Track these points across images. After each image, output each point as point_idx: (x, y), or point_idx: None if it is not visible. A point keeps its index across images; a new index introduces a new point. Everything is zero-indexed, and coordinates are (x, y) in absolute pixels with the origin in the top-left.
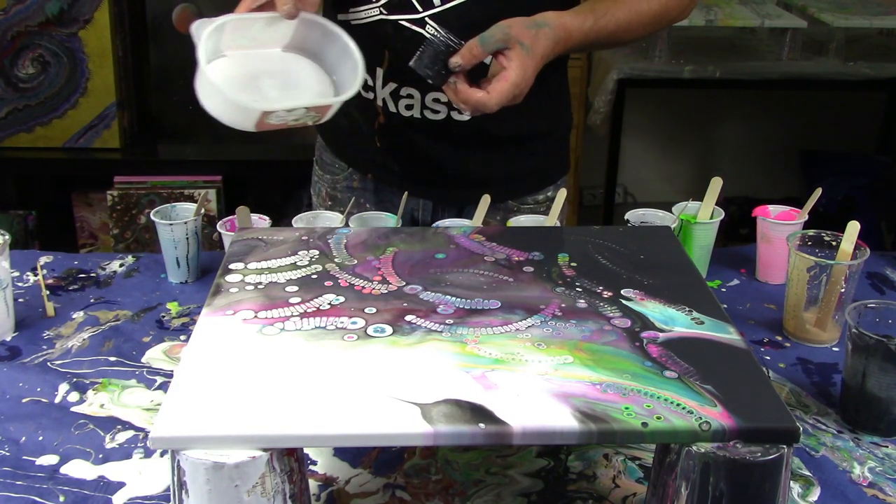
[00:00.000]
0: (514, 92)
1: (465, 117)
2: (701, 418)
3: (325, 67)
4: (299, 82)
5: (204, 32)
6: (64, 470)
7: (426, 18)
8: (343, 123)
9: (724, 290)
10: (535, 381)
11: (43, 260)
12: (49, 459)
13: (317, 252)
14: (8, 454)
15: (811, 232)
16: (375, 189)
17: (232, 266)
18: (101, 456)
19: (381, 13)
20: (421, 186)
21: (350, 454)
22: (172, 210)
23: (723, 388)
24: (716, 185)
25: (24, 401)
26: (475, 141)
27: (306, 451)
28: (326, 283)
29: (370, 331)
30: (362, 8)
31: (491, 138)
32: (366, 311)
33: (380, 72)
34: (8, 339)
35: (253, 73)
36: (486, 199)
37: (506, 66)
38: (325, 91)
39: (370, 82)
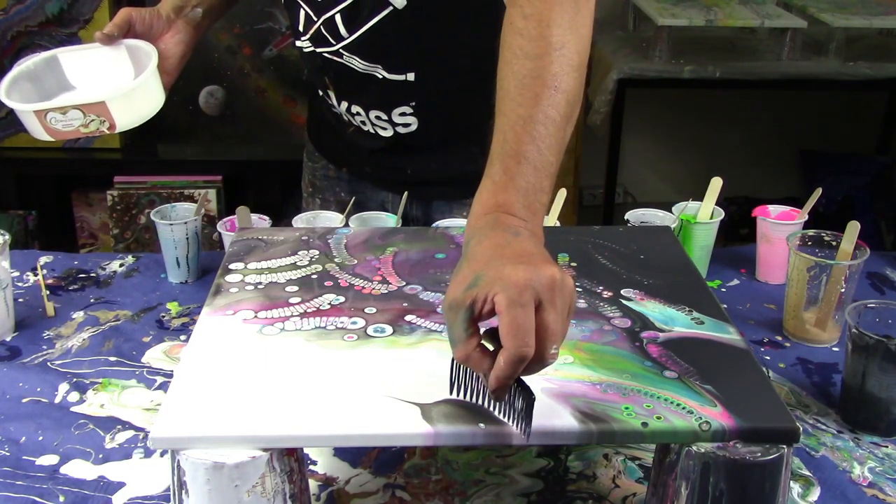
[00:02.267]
0: (516, 331)
1: (412, 129)
2: (701, 418)
3: None
4: None
5: (17, 66)
6: (64, 470)
7: (340, 50)
8: (324, 123)
9: (724, 290)
10: (535, 381)
11: (43, 260)
12: (49, 459)
13: (317, 252)
14: (8, 454)
15: (811, 232)
16: (350, 179)
17: (232, 266)
18: (101, 456)
19: (311, 45)
20: (390, 184)
21: (350, 454)
22: (172, 210)
23: (723, 388)
24: (716, 185)
25: (24, 401)
26: (429, 147)
27: (306, 451)
28: (326, 283)
29: (370, 331)
30: (300, 41)
31: (445, 141)
32: (366, 311)
33: (331, 93)
34: (8, 339)
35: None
36: None
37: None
38: None
39: (330, 101)
